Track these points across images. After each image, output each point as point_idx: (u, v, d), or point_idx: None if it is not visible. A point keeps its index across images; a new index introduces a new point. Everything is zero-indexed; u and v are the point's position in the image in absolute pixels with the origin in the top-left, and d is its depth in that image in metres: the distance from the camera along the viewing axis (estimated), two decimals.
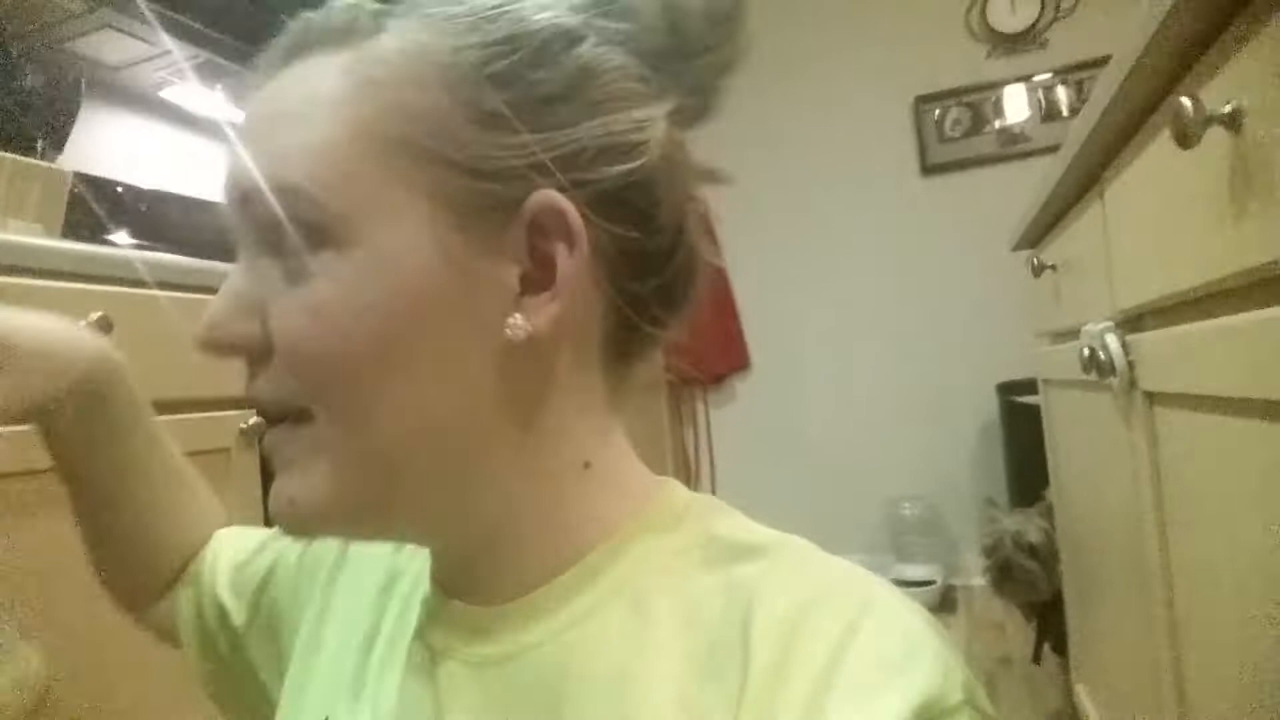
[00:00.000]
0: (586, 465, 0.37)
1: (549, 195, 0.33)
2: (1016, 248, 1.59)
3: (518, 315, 0.33)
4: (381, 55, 0.33)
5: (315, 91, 0.33)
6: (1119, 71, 0.71)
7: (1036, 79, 2.68)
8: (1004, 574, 1.69)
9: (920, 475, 2.71)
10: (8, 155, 1.15)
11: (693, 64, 0.36)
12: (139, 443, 0.52)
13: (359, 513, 0.35)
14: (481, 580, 0.37)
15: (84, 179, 1.33)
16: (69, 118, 1.33)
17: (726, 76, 0.38)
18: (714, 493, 2.73)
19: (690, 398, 3.10)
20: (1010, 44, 2.71)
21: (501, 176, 0.32)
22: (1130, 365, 0.86)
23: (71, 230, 1.22)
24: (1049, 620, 1.71)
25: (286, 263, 0.33)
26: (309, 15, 0.35)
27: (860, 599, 0.30)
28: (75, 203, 1.27)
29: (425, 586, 0.41)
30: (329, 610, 0.46)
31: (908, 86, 2.80)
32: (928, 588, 2.43)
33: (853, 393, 2.85)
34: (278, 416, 0.35)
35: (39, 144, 1.30)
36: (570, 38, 0.34)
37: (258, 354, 0.33)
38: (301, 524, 0.35)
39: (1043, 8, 2.66)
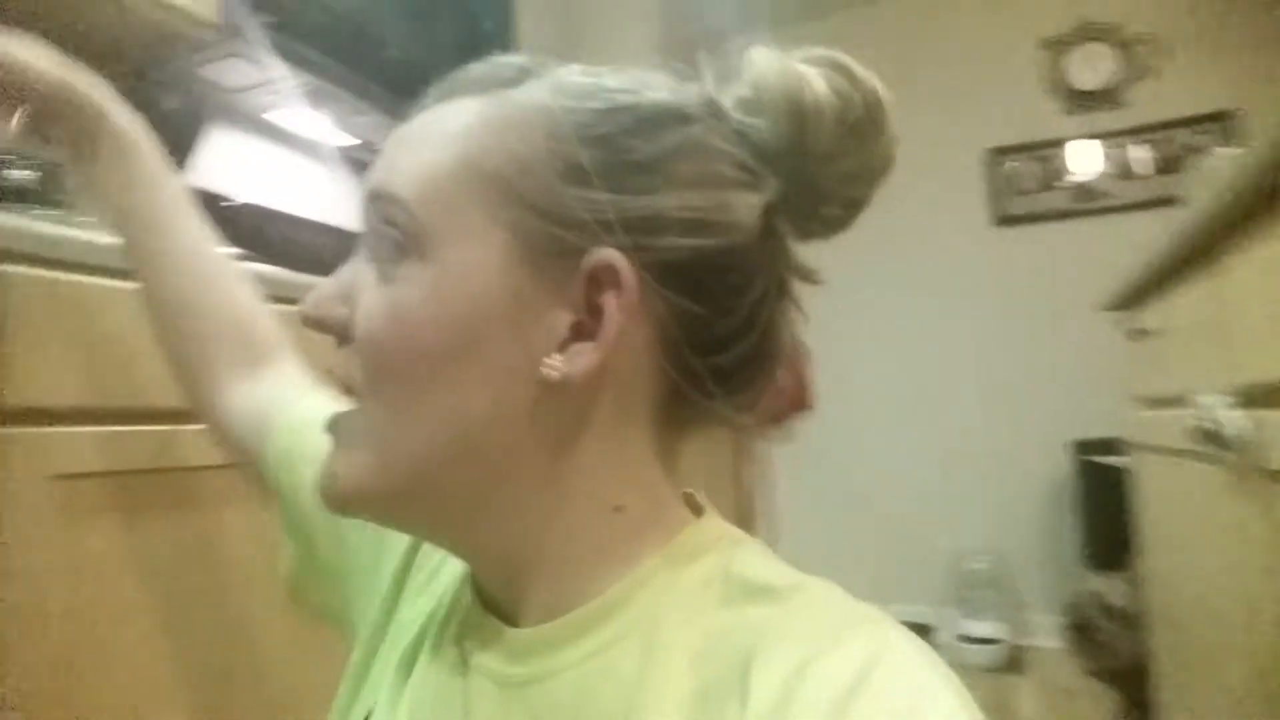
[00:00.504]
0: (618, 509, 0.38)
1: (609, 253, 0.35)
2: (1107, 308, 1.57)
3: (557, 357, 0.35)
4: (505, 104, 0.37)
5: (444, 124, 0.38)
6: (1258, 151, 0.72)
7: (1114, 137, 2.66)
8: (1083, 634, 1.65)
9: (988, 529, 2.67)
10: None
11: (811, 165, 0.38)
12: (164, 196, 0.63)
13: (387, 503, 0.38)
14: (512, 600, 0.39)
15: (200, 194, 1.40)
16: (195, 138, 1.41)
17: (861, 187, 0.40)
18: (772, 536, 2.70)
19: (751, 437, 3.10)
20: (1088, 101, 2.70)
21: (573, 226, 0.35)
22: (1250, 442, 0.84)
23: None
24: (1131, 690, 1.66)
25: (381, 263, 0.37)
26: (472, 65, 0.40)
27: (871, 649, 0.30)
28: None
29: (465, 594, 0.44)
30: (397, 602, 0.49)
31: (980, 139, 2.80)
32: (993, 646, 2.37)
33: (919, 442, 2.83)
34: (348, 394, 0.39)
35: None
36: (678, 117, 0.37)
37: (344, 335, 0.38)
38: (339, 499, 0.39)
39: (1124, 66, 2.65)
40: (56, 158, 0.65)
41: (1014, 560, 2.61)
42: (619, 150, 0.35)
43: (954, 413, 2.78)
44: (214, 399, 0.61)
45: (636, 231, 0.35)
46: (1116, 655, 1.62)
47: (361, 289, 0.38)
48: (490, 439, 0.36)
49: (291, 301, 1.02)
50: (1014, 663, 2.40)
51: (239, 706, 0.85)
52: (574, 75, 0.38)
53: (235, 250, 1.49)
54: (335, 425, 0.40)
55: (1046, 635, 2.52)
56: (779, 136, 0.37)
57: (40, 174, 1.14)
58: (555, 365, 0.35)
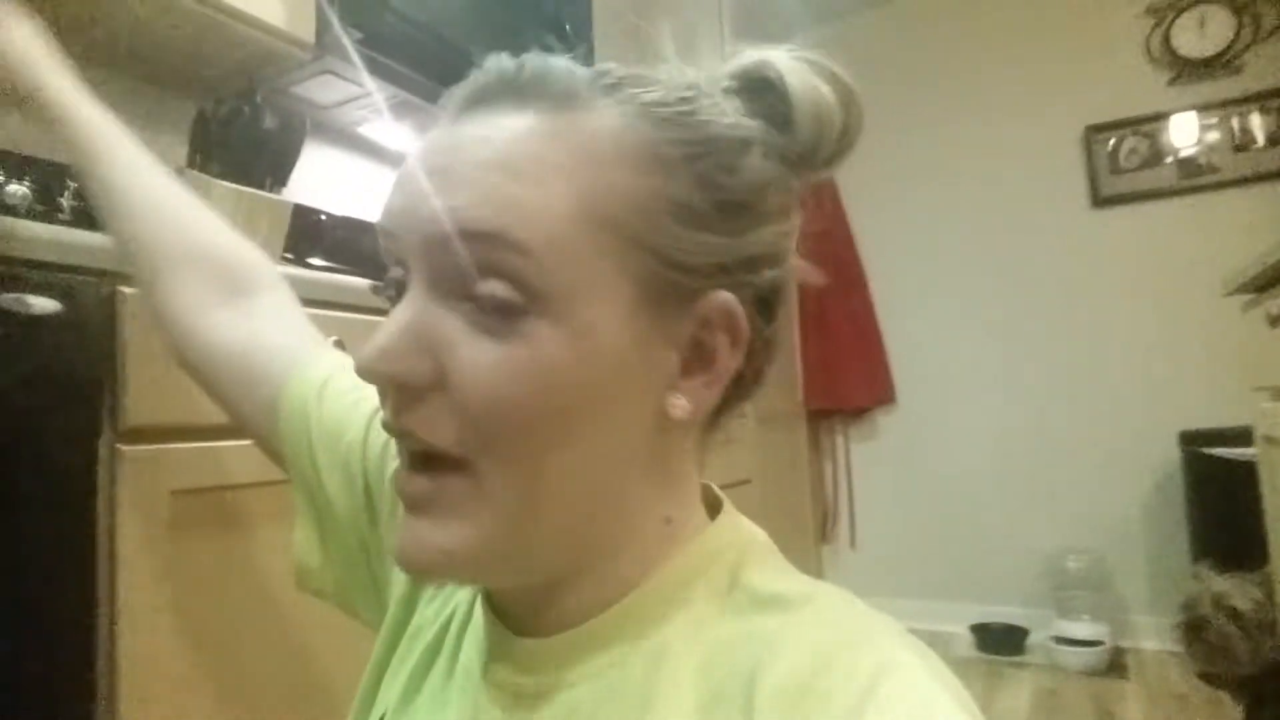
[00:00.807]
0: (667, 520, 0.39)
1: (727, 297, 0.36)
2: (1234, 291, 1.46)
3: (681, 396, 0.36)
4: (601, 132, 0.34)
5: (539, 153, 0.33)
6: None
7: (1226, 106, 2.48)
8: (1195, 634, 1.55)
9: (1087, 526, 2.54)
10: (246, 189, 1.28)
11: (817, 171, 0.40)
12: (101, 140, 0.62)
13: (498, 563, 0.36)
14: (530, 611, 0.39)
15: (298, 209, 1.45)
16: (294, 154, 1.46)
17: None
18: (853, 533, 2.66)
19: (830, 429, 3.04)
20: (1198, 70, 2.52)
21: (690, 271, 0.35)
22: None
23: (287, 258, 1.34)
24: (1255, 697, 1.56)
25: (482, 314, 0.33)
26: (517, 62, 0.36)
27: (877, 664, 0.29)
28: (291, 232, 1.39)
29: (478, 602, 0.43)
30: (416, 602, 0.48)
31: (1078, 116, 2.66)
32: (1094, 648, 2.26)
33: (1011, 434, 2.71)
34: (426, 457, 0.35)
35: (267, 179, 1.43)
36: (745, 145, 0.37)
37: (420, 391, 0.34)
38: (445, 572, 0.37)
39: (1238, 30, 2.47)
40: None
41: (1114, 558, 2.48)
42: (716, 189, 0.36)
43: (1049, 401, 2.65)
44: (192, 325, 0.58)
45: (741, 270, 0.36)
46: (1237, 660, 1.52)
47: (453, 343, 0.33)
48: (609, 482, 0.36)
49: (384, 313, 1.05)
50: (1116, 666, 2.28)
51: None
52: (651, 94, 0.36)
53: (328, 263, 1.55)
54: (426, 497, 0.35)
55: (1151, 637, 2.39)
56: (803, 149, 0.38)
57: None
58: (682, 405, 0.36)
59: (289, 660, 0.86)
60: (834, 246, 2.94)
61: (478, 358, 0.33)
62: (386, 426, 0.36)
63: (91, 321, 0.67)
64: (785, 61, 0.38)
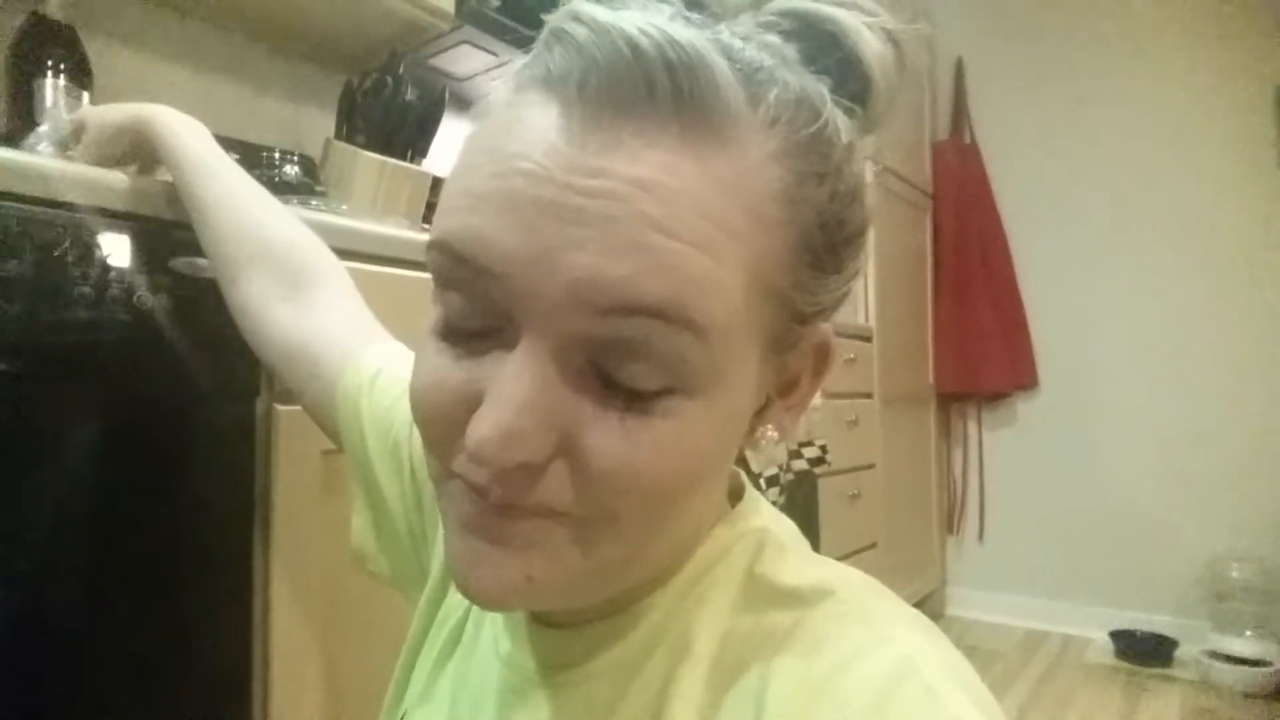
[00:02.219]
0: (713, 522, 0.38)
1: (825, 332, 0.35)
2: None
3: (770, 428, 0.36)
4: (763, 179, 0.29)
5: (716, 215, 0.28)
6: None
7: None
8: None
9: (1254, 531, 2.29)
10: (389, 160, 1.32)
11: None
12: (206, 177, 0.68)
13: (577, 596, 0.33)
14: (584, 598, 0.36)
15: (436, 181, 1.49)
16: (434, 125, 1.50)
17: None
18: (981, 525, 2.52)
19: (962, 415, 2.88)
20: None
21: (812, 319, 0.34)
22: None
23: (426, 228, 1.38)
24: None
25: (609, 395, 0.29)
26: (657, 47, 0.27)
27: (896, 664, 0.28)
28: (432, 200, 1.43)
29: None
30: (448, 585, 0.48)
31: (1267, 75, 2.34)
32: (1260, 668, 2.05)
33: (1169, 425, 2.46)
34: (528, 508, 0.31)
35: (408, 151, 1.48)
36: (852, 153, 0.33)
37: (542, 468, 0.29)
38: (521, 605, 0.35)
39: None
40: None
41: None
42: (840, 225, 0.32)
43: (1217, 391, 2.39)
44: (258, 320, 0.63)
45: (841, 301, 0.35)
46: None
47: (584, 419, 0.29)
48: (697, 513, 0.36)
49: None
50: None
51: None
52: (786, 99, 0.30)
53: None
54: (520, 533, 0.31)
55: None
56: (868, 125, 0.35)
57: (302, 168, 1.27)
58: (772, 436, 0.36)
59: None
60: (976, 215, 2.76)
61: (616, 440, 0.29)
62: (442, 488, 0.33)
63: None
64: (845, 16, 0.33)
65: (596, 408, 0.29)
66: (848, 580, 0.33)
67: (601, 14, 0.28)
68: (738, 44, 0.30)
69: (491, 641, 0.42)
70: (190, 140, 0.70)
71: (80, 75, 1.06)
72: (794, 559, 0.36)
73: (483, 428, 0.28)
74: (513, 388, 0.28)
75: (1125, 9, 2.58)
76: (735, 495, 0.40)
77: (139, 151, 0.75)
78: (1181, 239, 2.47)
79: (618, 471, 0.29)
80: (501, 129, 0.30)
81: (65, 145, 0.79)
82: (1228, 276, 2.39)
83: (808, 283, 0.32)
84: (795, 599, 0.33)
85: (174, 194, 0.71)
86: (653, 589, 0.36)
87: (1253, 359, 2.34)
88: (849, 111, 0.33)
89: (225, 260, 0.65)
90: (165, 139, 0.70)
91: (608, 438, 0.28)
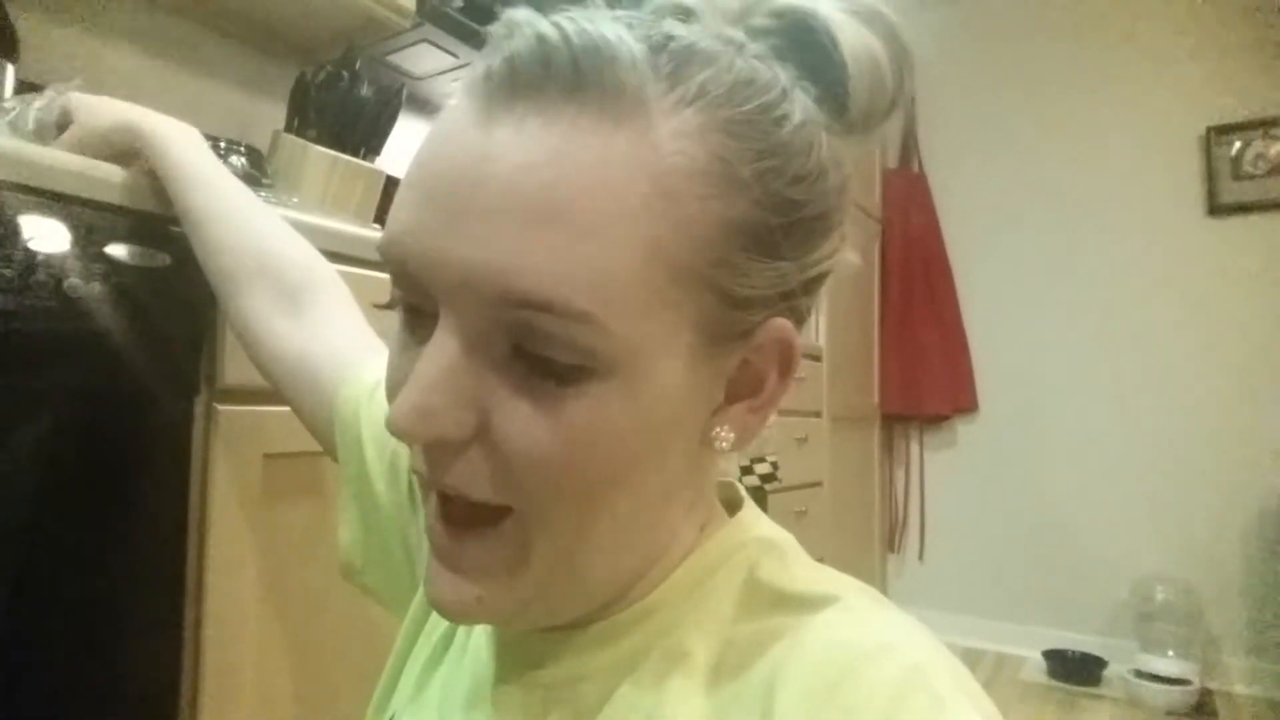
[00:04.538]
0: (700, 530, 0.37)
1: (784, 328, 0.33)
2: None
3: (727, 428, 0.34)
4: (674, 154, 0.28)
5: (606, 195, 0.27)
6: None
7: None
8: None
9: (1177, 554, 2.39)
10: (341, 156, 1.28)
11: (857, 141, 0.35)
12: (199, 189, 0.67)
13: (537, 609, 0.34)
14: (549, 610, 0.36)
15: (389, 180, 1.45)
16: (390, 123, 1.45)
17: None
18: (922, 544, 2.58)
19: (905, 436, 2.94)
20: None
21: (755, 305, 0.32)
22: None
23: (377, 227, 1.33)
24: None
25: (530, 375, 0.29)
26: (562, 34, 0.28)
27: (903, 676, 0.27)
28: (385, 200, 1.38)
29: None
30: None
31: (1197, 116, 2.48)
32: (1181, 687, 2.13)
33: (1101, 451, 2.56)
34: (459, 504, 0.32)
35: (361, 147, 1.43)
36: (814, 142, 0.32)
37: (459, 446, 0.30)
38: (481, 620, 0.35)
39: None
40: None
41: (1207, 591, 2.33)
42: (790, 207, 0.31)
43: (1146, 420, 2.49)
44: (256, 335, 0.62)
45: (802, 292, 0.33)
46: None
47: (498, 399, 0.30)
48: (651, 519, 0.35)
49: None
50: (1204, 709, 2.14)
51: None
52: (719, 81, 0.30)
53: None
54: (466, 552, 0.33)
55: (1245, 681, 2.24)
56: (852, 123, 0.34)
57: (249, 159, 1.22)
58: (727, 437, 0.34)
59: (369, 629, 0.85)
60: (922, 242, 2.83)
61: (528, 419, 0.29)
62: (418, 475, 0.34)
63: (197, 278, 0.66)
64: (830, 10, 0.33)
65: (514, 389, 0.29)
66: (850, 587, 0.33)
67: (522, 14, 0.30)
68: (677, 33, 0.31)
69: (483, 644, 0.41)
70: (183, 150, 0.69)
71: (5, 48, 0.99)
72: (796, 566, 0.35)
73: (396, 406, 0.29)
74: (424, 367, 0.29)
75: (1066, 53, 2.69)
76: (734, 506, 0.40)
77: (128, 157, 0.72)
78: (1118, 270, 2.58)
79: (528, 451, 0.29)
80: (428, 135, 0.31)
81: (44, 133, 0.74)
82: (1159, 313, 2.51)
83: (741, 265, 0.30)
84: (799, 604, 0.32)
85: (113, 177, 0.66)
86: (642, 594, 0.35)
87: (1183, 393, 2.45)
88: (820, 100, 0.33)
89: (222, 274, 0.64)
90: (157, 148, 0.69)
91: (519, 418, 0.29)
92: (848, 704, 0.27)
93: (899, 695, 0.27)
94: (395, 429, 0.29)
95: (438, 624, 0.46)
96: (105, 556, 0.67)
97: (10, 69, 0.99)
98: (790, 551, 0.37)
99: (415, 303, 0.32)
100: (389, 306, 0.34)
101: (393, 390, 0.32)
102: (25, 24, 1.03)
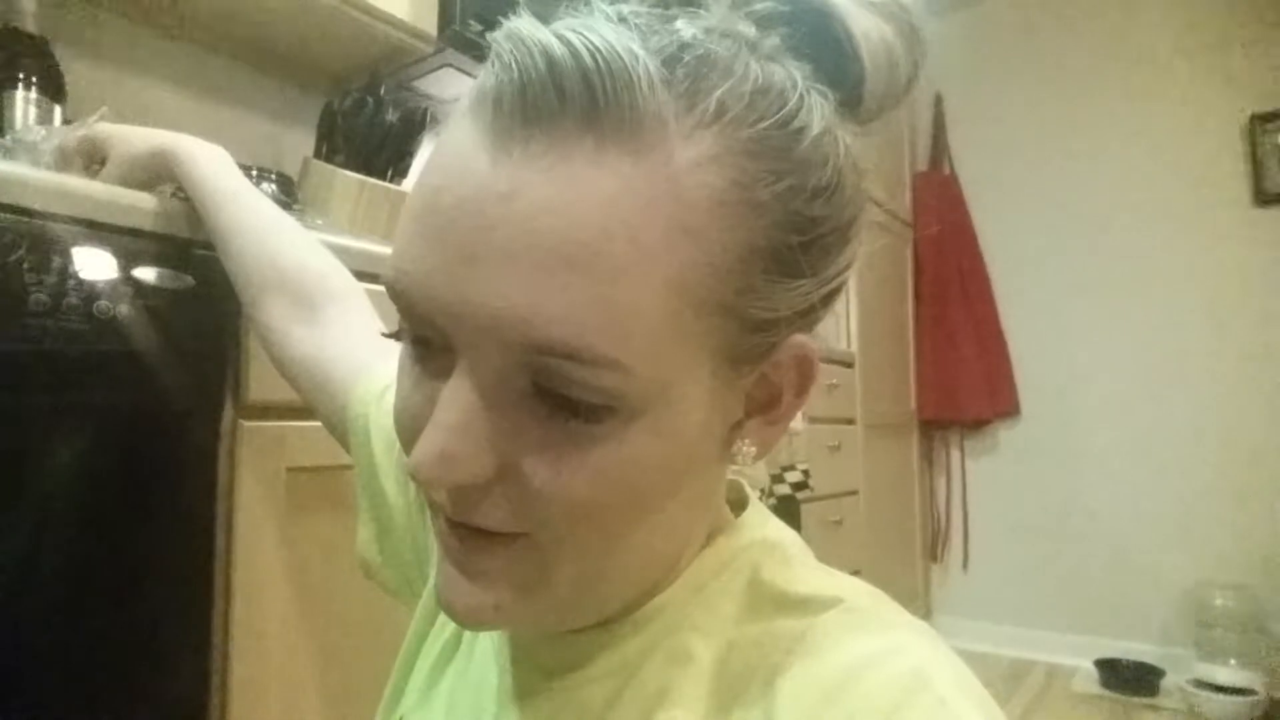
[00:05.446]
0: (709, 536, 0.37)
1: (804, 344, 0.32)
2: None
3: (748, 442, 0.34)
4: (694, 186, 0.27)
5: (628, 237, 0.26)
6: None
7: None
8: None
9: (1237, 559, 2.29)
10: (368, 180, 1.31)
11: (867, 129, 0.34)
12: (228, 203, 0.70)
13: (551, 619, 0.34)
14: (562, 619, 0.36)
15: None
16: (415, 146, 1.49)
17: None
18: (965, 553, 2.49)
19: (945, 442, 2.88)
20: None
21: (776, 326, 0.31)
22: None
23: None
24: None
25: (553, 414, 0.29)
26: (573, 54, 0.26)
27: (906, 679, 0.27)
28: None
29: None
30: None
31: (1239, 103, 2.40)
32: (1245, 697, 2.04)
33: (1151, 452, 2.47)
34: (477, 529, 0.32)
35: (388, 171, 1.47)
36: (832, 151, 0.31)
37: (485, 489, 0.30)
38: (494, 626, 0.35)
39: None
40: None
41: (1270, 597, 2.23)
42: (810, 224, 0.30)
43: (1198, 420, 2.40)
44: (277, 342, 0.64)
45: (821, 306, 0.32)
46: None
47: (523, 443, 0.29)
48: (668, 534, 0.34)
49: None
50: (1271, 719, 2.04)
51: None
52: (736, 98, 0.28)
53: None
54: (478, 562, 0.32)
55: None
56: (866, 116, 0.34)
57: (279, 186, 1.26)
58: (749, 451, 0.34)
59: (395, 640, 0.86)
60: (956, 245, 2.79)
61: (554, 461, 0.29)
62: (434, 509, 0.33)
63: (221, 298, 0.69)
64: (867, 21, 0.32)
65: (538, 430, 0.29)
66: (855, 589, 0.33)
67: (527, 27, 0.27)
68: (689, 38, 0.28)
69: (490, 646, 0.41)
70: (208, 167, 0.72)
71: (53, 89, 1.05)
72: (800, 568, 0.35)
73: (418, 452, 0.29)
74: (445, 413, 0.29)
75: (1100, 43, 2.64)
76: (740, 506, 0.40)
77: (161, 180, 0.76)
78: (1160, 265, 2.50)
79: (554, 495, 0.29)
80: (432, 160, 0.30)
81: (68, 159, 0.78)
82: (1206, 309, 2.42)
83: (762, 289, 0.29)
84: (803, 606, 0.32)
85: (139, 203, 0.70)
86: (650, 597, 0.35)
87: (1234, 387, 2.36)
88: (834, 91, 0.31)
89: (244, 286, 0.67)
90: (185, 167, 0.72)
91: (545, 460, 0.29)
92: (850, 706, 0.27)
93: (901, 698, 0.27)
94: (419, 478, 0.29)
95: (446, 624, 0.47)
96: (136, 570, 0.69)
97: (58, 110, 1.05)
98: (795, 553, 0.37)
99: (425, 335, 0.31)
100: (396, 337, 0.33)
101: (407, 430, 0.32)
102: (74, 70, 1.09)
